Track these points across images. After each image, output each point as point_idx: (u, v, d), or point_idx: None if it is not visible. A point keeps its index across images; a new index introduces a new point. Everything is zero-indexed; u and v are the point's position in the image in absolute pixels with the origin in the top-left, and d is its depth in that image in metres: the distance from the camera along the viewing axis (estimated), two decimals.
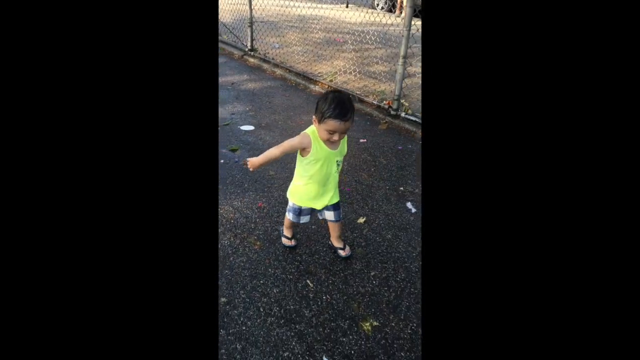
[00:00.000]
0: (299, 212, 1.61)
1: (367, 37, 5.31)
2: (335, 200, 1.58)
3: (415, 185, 2.31)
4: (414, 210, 2.08)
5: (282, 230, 1.78)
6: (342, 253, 1.71)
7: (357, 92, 3.57)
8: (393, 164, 2.55)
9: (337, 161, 1.48)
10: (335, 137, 1.35)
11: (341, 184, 1.99)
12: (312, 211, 1.64)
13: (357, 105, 3.13)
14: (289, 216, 1.65)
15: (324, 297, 1.51)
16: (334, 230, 1.70)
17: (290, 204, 1.63)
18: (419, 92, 3.66)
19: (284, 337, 1.33)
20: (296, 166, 1.54)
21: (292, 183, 1.59)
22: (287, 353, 1.28)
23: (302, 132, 1.44)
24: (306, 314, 1.43)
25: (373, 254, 1.76)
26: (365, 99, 3.46)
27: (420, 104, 3.40)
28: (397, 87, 3.08)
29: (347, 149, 1.56)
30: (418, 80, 3.99)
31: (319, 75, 4.10)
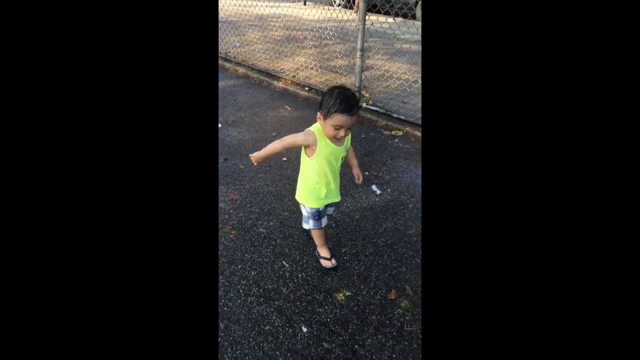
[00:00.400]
0: (318, 215, 1.54)
1: (326, 33, 5.44)
2: (339, 197, 1.59)
3: (378, 170, 2.45)
4: (378, 192, 2.22)
5: (317, 253, 1.68)
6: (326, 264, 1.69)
7: (320, 86, 3.69)
8: (357, 151, 2.68)
9: (342, 157, 1.48)
10: (342, 132, 1.34)
11: None
12: (326, 210, 1.60)
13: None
14: (311, 225, 1.56)
15: (300, 275, 1.61)
16: None
17: (307, 210, 1.55)
18: (378, 83, 3.82)
19: (264, 313, 1.43)
20: (302, 168, 1.51)
21: (301, 187, 1.54)
22: (268, 327, 1.38)
23: (306, 130, 1.41)
24: (284, 291, 1.53)
25: (343, 233, 1.88)
26: None
27: (380, 94, 3.56)
28: (357, 79, 3.23)
29: (350, 143, 1.53)
30: (376, 72, 4.16)
31: (282, 71, 4.19)
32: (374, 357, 1.29)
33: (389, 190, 2.24)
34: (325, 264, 1.64)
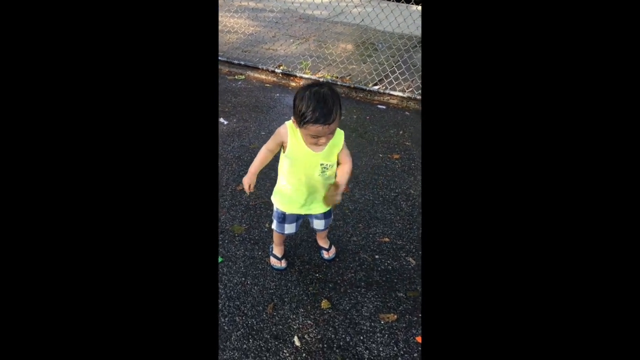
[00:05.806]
0: (282, 218, 1.38)
1: None
2: (325, 208, 1.38)
3: (224, 106, 2.85)
4: (225, 122, 2.63)
5: (271, 248, 1.54)
6: (325, 255, 1.58)
7: None
8: None
9: (321, 165, 1.24)
10: (322, 140, 1.15)
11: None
12: (299, 219, 1.42)
13: None
14: (274, 225, 1.43)
15: None
16: (320, 231, 1.55)
17: (274, 208, 1.40)
18: (221, 36, 4.10)
19: None
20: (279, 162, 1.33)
21: (277, 182, 1.37)
22: None
23: (284, 123, 1.22)
24: None
25: None
26: None
27: (224, 46, 3.86)
28: None
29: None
30: (220, 27, 4.39)
31: None
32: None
33: (234, 120, 2.67)
34: (273, 262, 1.53)
